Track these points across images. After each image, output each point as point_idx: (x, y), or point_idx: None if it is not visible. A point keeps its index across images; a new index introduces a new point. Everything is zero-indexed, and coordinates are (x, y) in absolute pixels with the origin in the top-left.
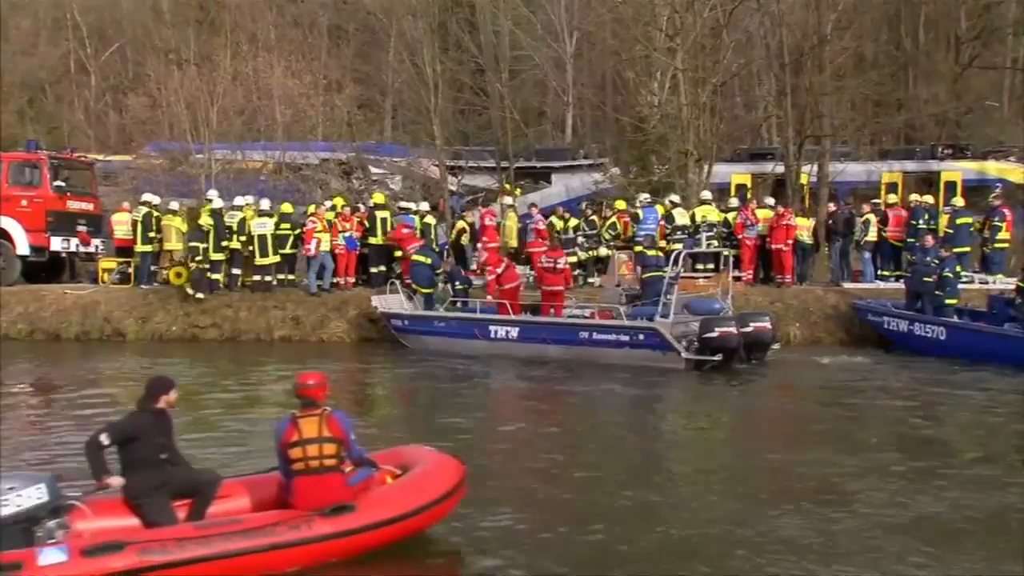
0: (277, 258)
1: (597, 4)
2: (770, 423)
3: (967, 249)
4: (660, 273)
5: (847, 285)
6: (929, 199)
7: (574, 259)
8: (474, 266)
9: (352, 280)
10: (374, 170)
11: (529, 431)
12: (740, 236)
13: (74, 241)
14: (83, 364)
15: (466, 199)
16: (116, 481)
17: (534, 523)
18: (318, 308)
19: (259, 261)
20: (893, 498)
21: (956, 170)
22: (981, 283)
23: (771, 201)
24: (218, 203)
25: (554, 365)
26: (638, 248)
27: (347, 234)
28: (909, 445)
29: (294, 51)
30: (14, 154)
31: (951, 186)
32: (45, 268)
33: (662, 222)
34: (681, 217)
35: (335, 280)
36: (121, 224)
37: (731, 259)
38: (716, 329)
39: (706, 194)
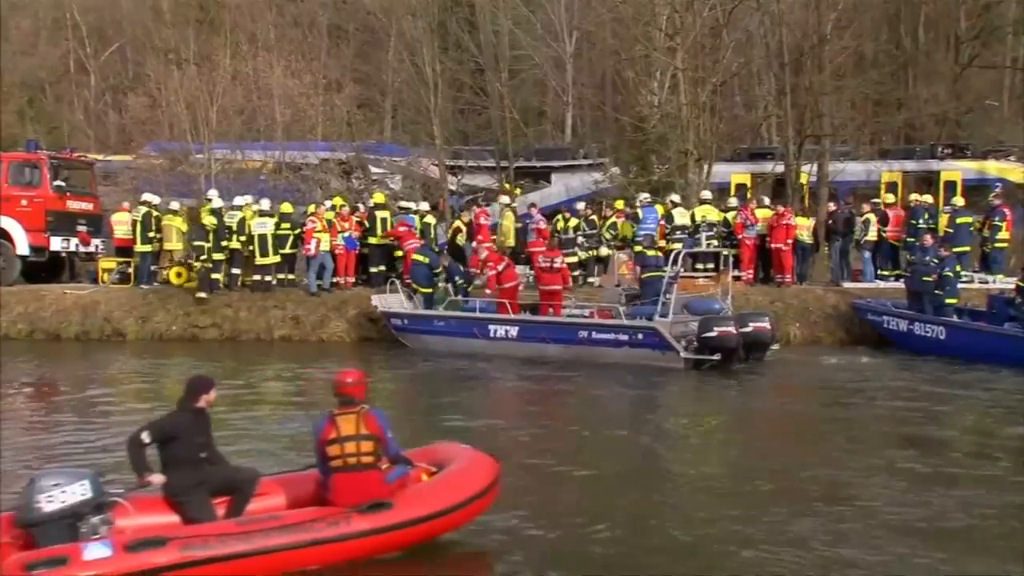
0: (277, 258)
1: (597, 4)
2: (771, 423)
3: (967, 249)
4: (659, 273)
5: (847, 285)
6: (928, 199)
7: (574, 259)
8: (474, 266)
9: (352, 280)
10: (374, 170)
11: (529, 431)
12: (740, 236)
13: (74, 241)
14: (83, 364)
15: (466, 199)
16: (157, 478)
17: (538, 524)
18: (318, 308)
19: (259, 261)
20: (899, 497)
21: (956, 170)
22: (981, 283)
23: (765, 200)
24: (218, 203)
25: (553, 365)
26: (638, 248)
27: (346, 234)
28: (912, 444)
29: (294, 51)
30: (14, 154)
31: (951, 186)
32: (45, 268)
33: (662, 222)
34: (681, 217)
35: (335, 280)
36: (121, 224)
37: (731, 259)
38: (715, 329)
39: (706, 194)
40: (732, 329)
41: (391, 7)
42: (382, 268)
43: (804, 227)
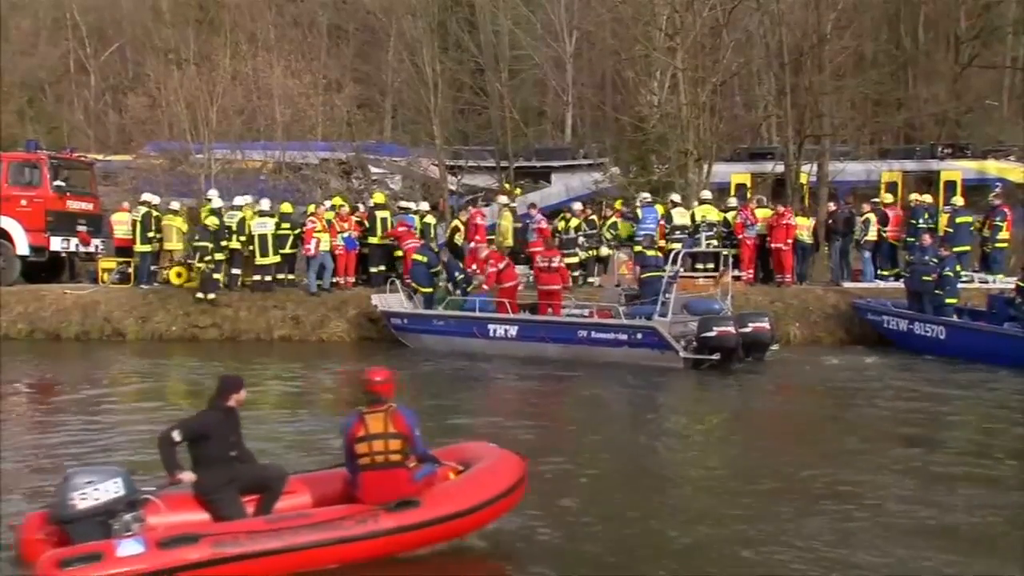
0: (277, 258)
1: (597, 4)
2: (771, 422)
3: (967, 248)
4: (659, 273)
5: (847, 284)
6: (928, 199)
7: (575, 259)
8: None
9: (352, 280)
10: (374, 170)
11: (529, 431)
12: (740, 236)
13: (74, 241)
14: (83, 364)
15: (465, 199)
16: (188, 477)
17: (543, 525)
18: (318, 308)
19: (259, 261)
20: (905, 497)
21: (956, 169)
22: (981, 282)
23: (763, 200)
24: (217, 203)
25: (553, 364)
26: (637, 248)
27: (345, 234)
28: (915, 444)
29: (294, 51)
30: (14, 154)
31: (951, 185)
32: (45, 268)
33: (661, 222)
34: (680, 217)
35: (335, 280)
36: (121, 224)
37: (730, 259)
38: (714, 328)
39: (706, 194)
40: (731, 329)
41: (391, 7)
42: (382, 268)
43: (804, 227)
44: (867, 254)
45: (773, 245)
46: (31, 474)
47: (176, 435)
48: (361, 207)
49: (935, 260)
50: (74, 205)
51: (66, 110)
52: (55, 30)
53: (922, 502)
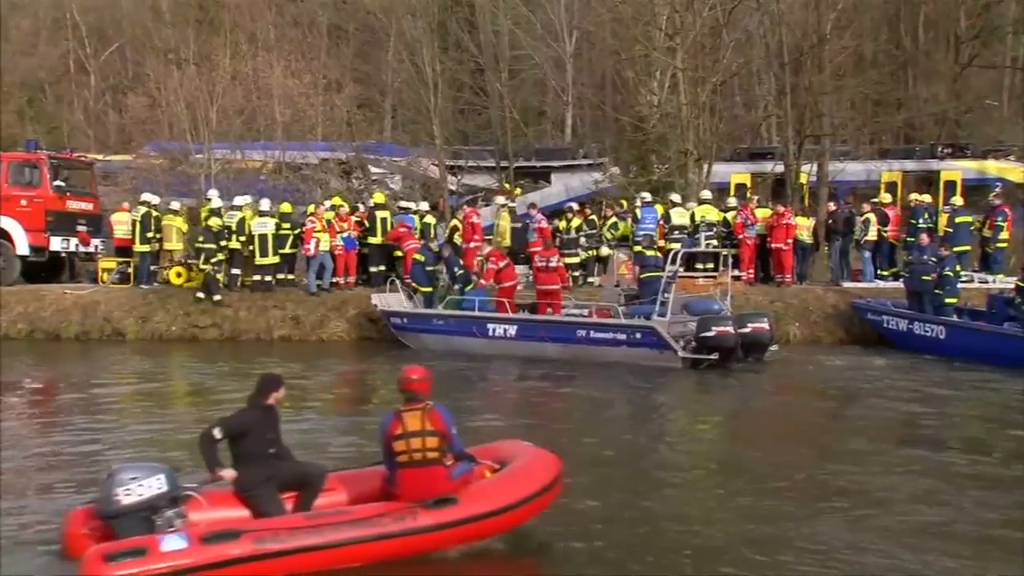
0: (277, 258)
1: (597, 4)
2: (773, 422)
3: (967, 248)
4: (658, 273)
5: (847, 284)
6: (928, 198)
7: (576, 259)
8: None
9: (353, 280)
10: (374, 170)
11: (530, 431)
12: (740, 236)
13: (74, 241)
14: (84, 364)
15: (465, 199)
16: (228, 474)
17: (545, 526)
18: (318, 308)
19: (259, 261)
20: (914, 497)
21: (956, 169)
22: (981, 282)
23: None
24: (217, 203)
25: (552, 364)
26: (637, 248)
27: (345, 234)
28: (920, 444)
29: (293, 51)
30: (14, 154)
31: (951, 185)
32: (45, 268)
33: (661, 222)
34: (679, 217)
35: (335, 280)
36: (121, 224)
37: (730, 259)
38: (713, 328)
39: (706, 194)
40: (730, 329)
41: (391, 7)
42: (382, 268)
43: (804, 227)
44: (867, 254)
45: (773, 245)
46: (37, 473)
47: (217, 432)
48: (361, 207)
49: (934, 260)
50: (74, 205)
51: (66, 110)
52: (55, 30)
53: (930, 502)
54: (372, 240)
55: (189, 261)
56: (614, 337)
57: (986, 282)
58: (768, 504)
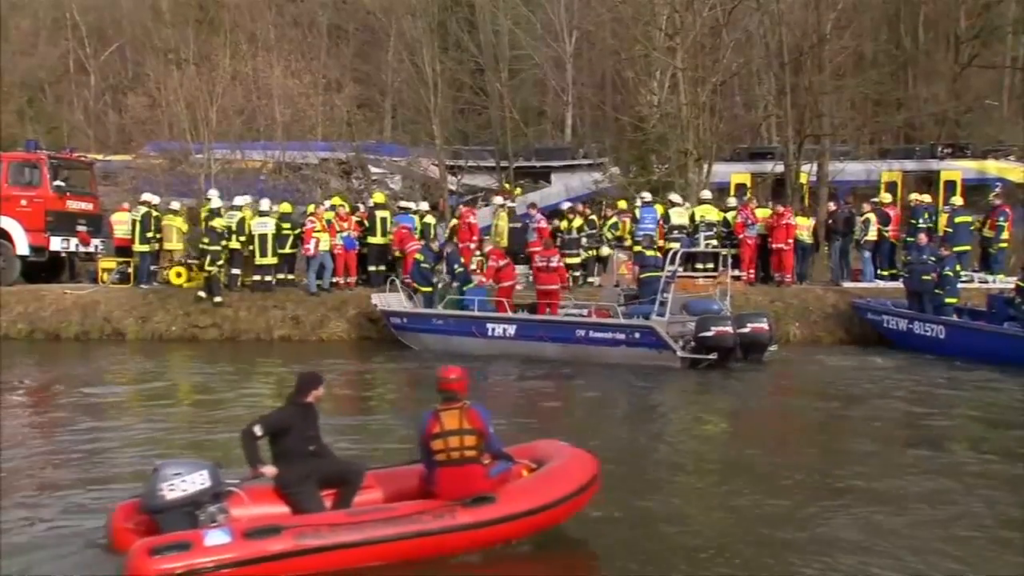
0: (275, 259)
1: (597, 3)
2: (774, 422)
3: (967, 248)
4: (658, 273)
5: (847, 284)
6: (928, 198)
7: (577, 259)
8: (473, 264)
9: (353, 280)
10: (374, 170)
11: (528, 432)
12: (741, 235)
13: (74, 241)
14: (84, 364)
15: (465, 198)
16: (269, 470)
17: (556, 531)
18: (318, 308)
19: (259, 261)
20: (923, 497)
21: (956, 169)
22: (981, 282)
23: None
24: (217, 203)
25: (552, 364)
26: (636, 248)
27: (344, 234)
28: (924, 443)
29: (293, 51)
30: (14, 154)
31: (951, 185)
32: (45, 268)
33: (660, 221)
34: (679, 216)
35: (335, 280)
36: (121, 224)
37: (729, 259)
38: (712, 328)
39: (705, 193)
40: (729, 329)
41: (391, 7)
42: (381, 268)
43: (804, 227)
44: (867, 254)
45: (774, 245)
46: (42, 471)
47: (257, 429)
48: (361, 207)
49: (933, 259)
50: (74, 205)
51: (66, 110)
52: (55, 30)
53: (940, 502)
54: (372, 240)
55: (189, 261)
56: (613, 337)
57: (986, 282)
58: (772, 504)
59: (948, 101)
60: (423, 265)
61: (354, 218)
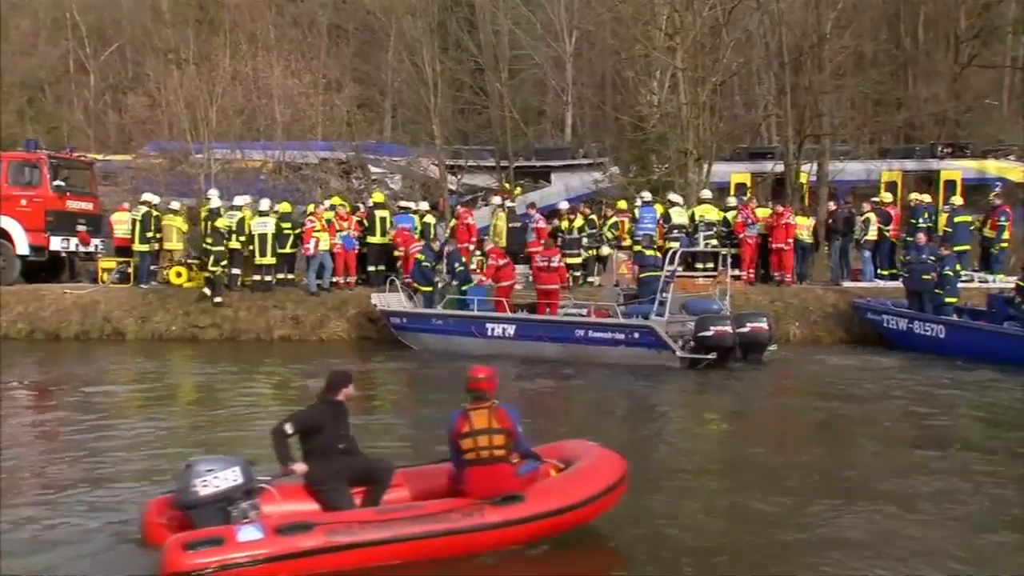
0: (274, 259)
1: (597, 3)
2: (777, 422)
3: (967, 248)
4: (657, 272)
5: (847, 284)
6: (928, 198)
7: (578, 259)
8: (473, 264)
9: (353, 280)
10: (374, 169)
11: (531, 433)
12: (741, 235)
13: (74, 241)
14: (84, 364)
15: (465, 198)
16: (300, 468)
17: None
18: (318, 308)
19: (259, 261)
20: (932, 496)
21: (956, 169)
22: (981, 282)
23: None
24: (216, 203)
25: (551, 364)
26: (636, 247)
27: (344, 233)
28: (929, 443)
29: (293, 51)
30: (14, 154)
31: (951, 185)
32: (45, 268)
33: (660, 221)
34: (678, 216)
35: (335, 279)
36: (121, 224)
37: (728, 259)
38: (711, 328)
39: (705, 193)
40: (728, 328)
41: (391, 7)
42: (381, 267)
43: (804, 226)
44: (867, 254)
45: (774, 245)
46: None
47: (288, 427)
48: (361, 207)
49: (932, 259)
50: (74, 205)
51: (66, 110)
52: (55, 30)
53: (950, 501)
54: (371, 240)
55: (189, 261)
56: (612, 337)
57: (986, 281)
58: (776, 505)
59: (948, 101)
60: (424, 264)
61: (354, 218)
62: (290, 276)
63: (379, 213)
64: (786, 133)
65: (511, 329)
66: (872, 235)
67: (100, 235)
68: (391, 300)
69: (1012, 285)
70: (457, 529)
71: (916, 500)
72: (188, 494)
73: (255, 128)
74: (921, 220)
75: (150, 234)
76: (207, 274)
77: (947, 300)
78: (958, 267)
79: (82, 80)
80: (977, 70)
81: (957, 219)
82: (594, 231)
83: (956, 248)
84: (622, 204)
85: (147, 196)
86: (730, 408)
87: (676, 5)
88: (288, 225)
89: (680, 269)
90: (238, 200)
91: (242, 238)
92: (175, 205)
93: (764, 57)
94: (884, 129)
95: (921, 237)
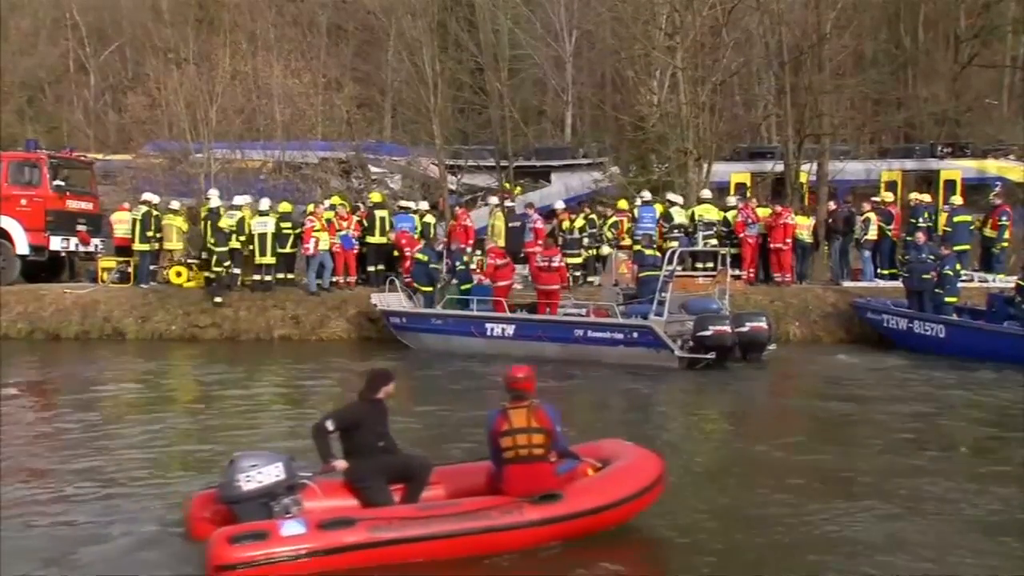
0: (274, 259)
1: (596, 3)
2: (778, 422)
3: (967, 247)
4: (657, 272)
5: (847, 284)
6: (927, 198)
7: (579, 259)
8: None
9: (353, 279)
10: (374, 169)
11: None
12: (741, 235)
13: (74, 241)
14: (85, 364)
15: (465, 198)
16: (340, 464)
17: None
18: (318, 307)
19: (259, 260)
20: (940, 497)
21: (955, 168)
22: (980, 281)
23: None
24: (216, 202)
25: (551, 364)
26: (636, 247)
27: (343, 233)
28: (932, 444)
29: (293, 50)
30: (14, 153)
31: (951, 185)
32: (45, 268)
33: (660, 221)
34: (678, 216)
35: (335, 279)
36: (121, 223)
37: (728, 258)
38: (710, 327)
39: (705, 193)
40: (727, 328)
41: (391, 6)
42: (380, 267)
43: (804, 226)
44: (867, 253)
45: (772, 245)
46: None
47: (329, 424)
48: (361, 207)
49: (931, 258)
50: (74, 205)
51: (66, 110)
52: (55, 30)
53: (959, 502)
54: (370, 240)
55: (189, 261)
56: (611, 337)
57: (986, 281)
58: (779, 505)
59: (948, 100)
60: (432, 266)
61: (355, 218)
62: (290, 276)
63: (378, 213)
64: (786, 133)
65: (510, 329)
66: (872, 235)
67: (100, 235)
68: (391, 300)
69: (1012, 285)
70: (496, 527)
71: (924, 501)
72: (232, 489)
73: (255, 128)
74: (921, 220)
75: (150, 233)
76: (208, 274)
77: (947, 300)
78: (958, 267)
79: (82, 80)
80: (977, 70)
81: (957, 219)
82: (594, 231)
83: (956, 248)
84: (622, 204)
85: (147, 196)
86: (729, 408)
87: (676, 5)
88: (288, 225)
89: (680, 269)
90: (238, 200)
91: (242, 238)
92: (175, 205)
93: (764, 57)
94: (884, 129)
95: (921, 237)
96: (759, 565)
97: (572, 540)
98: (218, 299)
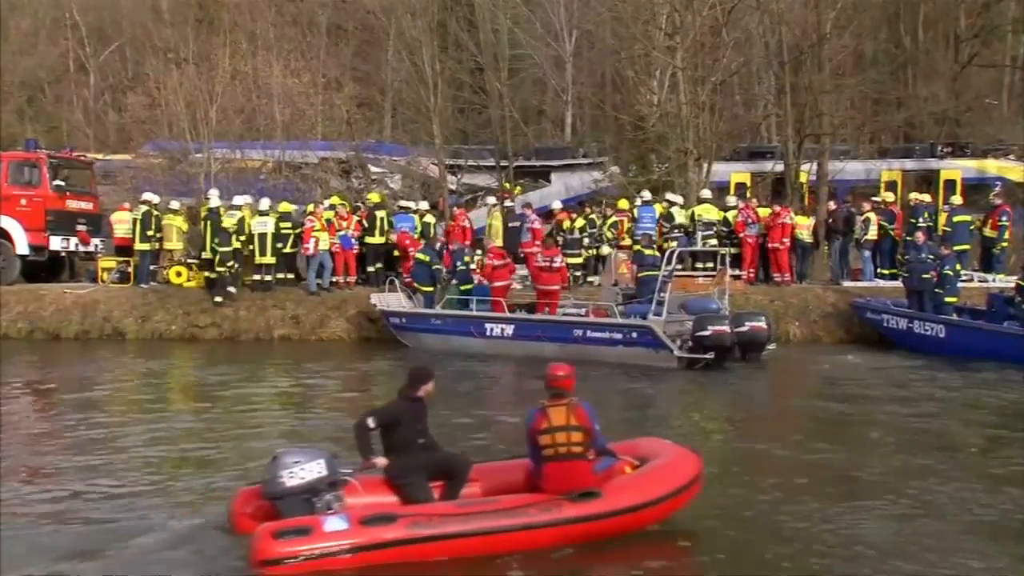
0: (274, 259)
1: (596, 3)
2: (778, 422)
3: (967, 247)
4: (656, 272)
5: (846, 283)
6: (927, 197)
7: (579, 259)
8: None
9: (353, 279)
10: (374, 169)
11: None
12: (741, 234)
13: (74, 240)
14: (85, 364)
15: (465, 198)
16: (381, 461)
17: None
18: (318, 307)
19: (259, 260)
20: (951, 497)
21: (955, 168)
22: (980, 281)
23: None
24: (216, 202)
25: (549, 363)
26: (636, 247)
27: (343, 233)
28: (937, 444)
29: (293, 50)
30: (14, 153)
31: (950, 184)
32: (45, 267)
33: (660, 221)
34: (678, 216)
35: (335, 279)
36: (121, 223)
37: (727, 258)
38: (709, 327)
39: (705, 193)
40: (726, 328)
41: (391, 6)
42: (379, 267)
43: (804, 226)
44: (867, 253)
45: (770, 245)
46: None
47: (370, 422)
48: (361, 207)
49: (931, 258)
50: (74, 204)
51: (66, 110)
52: (55, 30)
53: (970, 502)
54: (370, 240)
55: (189, 261)
56: (611, 337)
57: (986, 281)
58: (781, 505)
59: (948, 100)
60: (435, 267)
61: (355, 218)
62: (290, 276)
63: (378, 213)
64: (786, 133)
65: (509, 329)
66: (872, 235)
67: (100, 235)
68: (391, 300)
69: (1012, 285)
70: (535, 524)
71: (934, 502)
72: (275, 485)
73: (255, 128)
74: (921, 220)
75: (150, 233)
76: (209, 274)
77: (947, 300)
78: (958, 266)
79: (82, 80)
80: (977, 69)
81: (956, 219)
82: (594, 231)
83: (956, 248)
84: (622, 203)
85: (147, 196)
86: (729, 408)
87: (676, 5)
88: (288, 225)
89: (679, 269)
90: (238, 200)
91: (242, 238)
92: (175, 205)
93: (764, 57)
94: (884, 129)
95: (921, 236)
96: (761, 566)
97: (611, 538)
98: (218, 298)
